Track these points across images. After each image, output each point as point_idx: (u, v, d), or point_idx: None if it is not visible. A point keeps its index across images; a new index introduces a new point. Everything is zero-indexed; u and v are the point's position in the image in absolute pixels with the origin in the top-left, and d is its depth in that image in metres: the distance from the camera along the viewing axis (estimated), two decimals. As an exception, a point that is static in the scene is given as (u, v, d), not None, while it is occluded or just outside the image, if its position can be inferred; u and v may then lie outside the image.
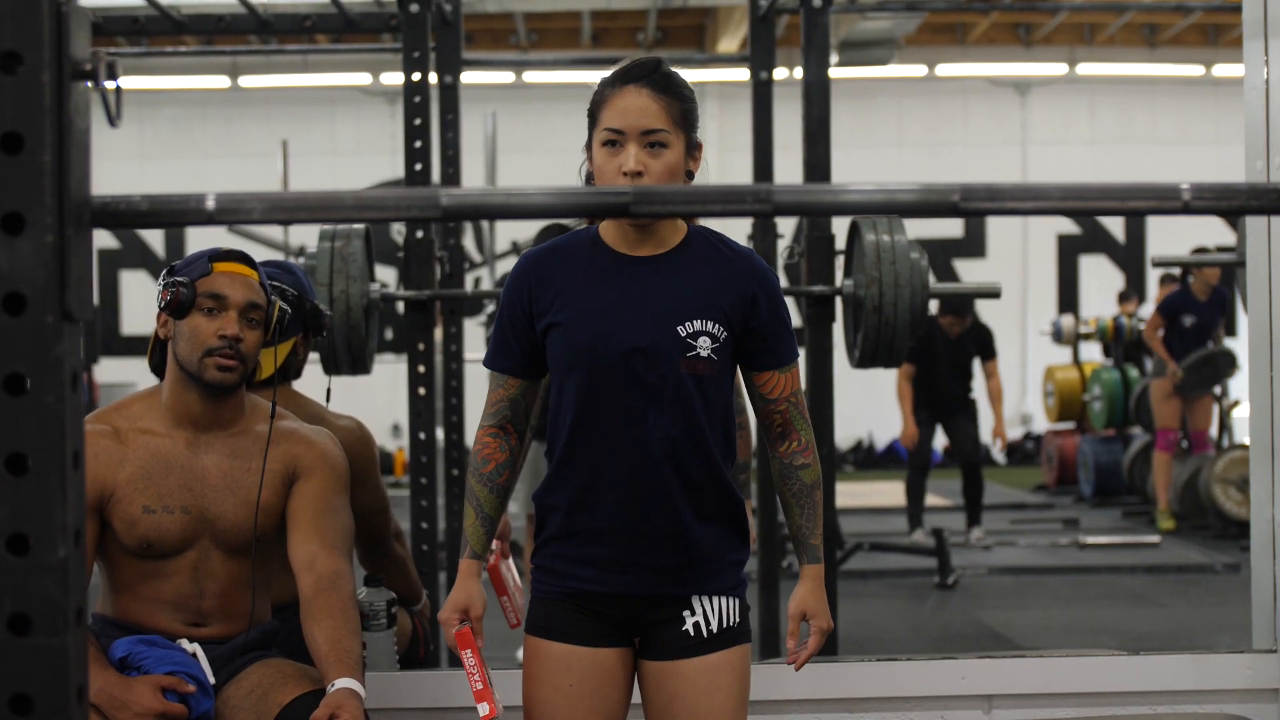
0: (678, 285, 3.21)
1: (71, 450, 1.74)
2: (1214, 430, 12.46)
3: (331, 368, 5.43)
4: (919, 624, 8.94)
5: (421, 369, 6.03)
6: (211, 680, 3.52)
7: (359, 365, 5.65)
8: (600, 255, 3.26)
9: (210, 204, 1.85)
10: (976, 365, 11.40)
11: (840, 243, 5.83)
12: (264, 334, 3.68)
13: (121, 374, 15.22)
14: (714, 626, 3.25)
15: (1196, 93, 19.20)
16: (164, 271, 3.67)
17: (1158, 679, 4.21)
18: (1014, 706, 4.18)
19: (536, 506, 3.36)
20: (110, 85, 1.81)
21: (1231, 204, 1.92)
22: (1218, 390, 12.26)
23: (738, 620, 3.28)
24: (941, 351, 11.11)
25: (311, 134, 17.74)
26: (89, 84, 1.78)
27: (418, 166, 6.00)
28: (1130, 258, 18.99)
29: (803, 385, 3.34)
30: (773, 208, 1.85)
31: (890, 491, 13.82)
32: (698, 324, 3.19)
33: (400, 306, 5.95)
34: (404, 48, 6.02)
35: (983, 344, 11.25)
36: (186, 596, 3.60)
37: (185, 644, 3.57)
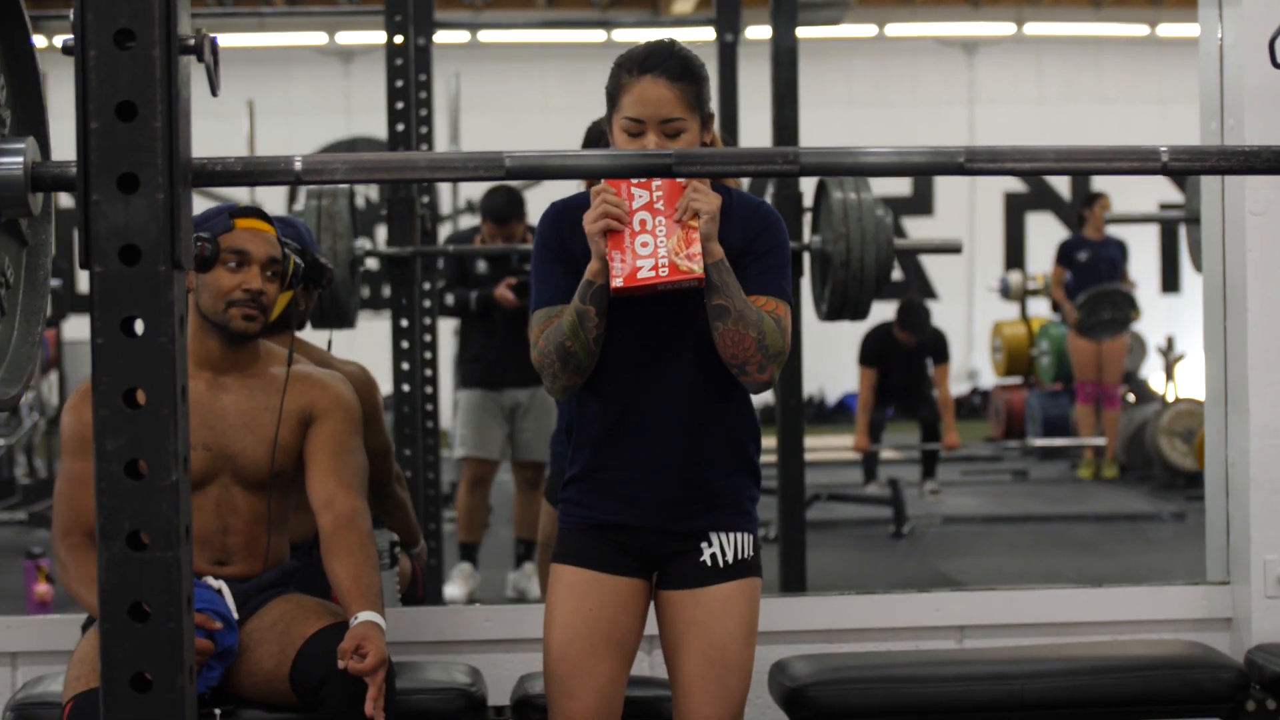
0: None
1: (181, 384, 1.96)
2: (1161, 384, 12.80)
3: (319, 322, 5.58)
4: (878, 572, 9.20)
5: (404, 323, 6.23)
6: (235, 616, 3.73)
7: (345, 320, 5.85)
8: None
9: (298, 165, 2.07)
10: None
11: (807, 200, 6.04)
12: (280, 285, 3.90)
13: (84, 332, 15.17)
14: (729, 558, 3.45)
15: (1141, 52, 19.42)
16: None
17: (1119, 609, 4.48)
18: (984, 636, 4.44)
19: (562, 450, 3.61)
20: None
21: (1204, 164, 2.17)
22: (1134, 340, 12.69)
23: (751, 554, 3.49)
24: (898, 360, 11.37)
25: (268, 94, 17.79)
26: (194, 58, 1.98)
27: (400, 127, 6.19)
28: (1076, 215, 19.25)
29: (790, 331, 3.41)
30: (799, 168, 2.08)
31: (843, 445, 14.04)
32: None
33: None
34: (386, 10, 6.19)
35: (938, 350, 11.41)
36: (211, 533, 3.79)
37: (211, 581, 3.77)
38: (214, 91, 2.02)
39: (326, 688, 3.56)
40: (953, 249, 6.30)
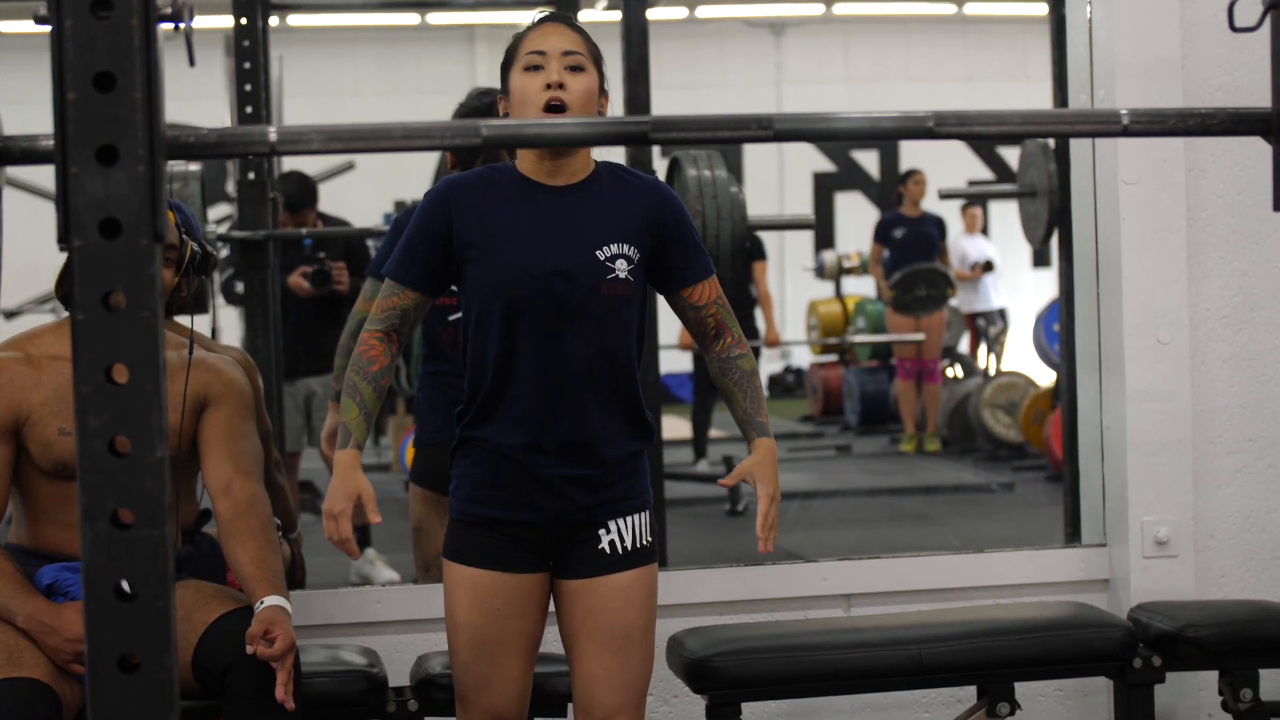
0: (594, 212, 3.41)
1: (162, 359, 1.92)
2: (981, 357, 13.05)
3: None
4: (721, 548, 9.26)
5: (257, 307, 6.16)
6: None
7: (200, 305, 5.76)
8: (519, 185, 3.43)
9: (272, 136, 2.04)
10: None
11: (660, 178, 6.06)
12: (175, 271, 3.83)
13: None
14: (628, 544, 3.43)
15: (947, 31, 19.74)
16: None
17: (1001, 574, 4.59)
18: (871, 604, 4.51)
19: (431, 434, 3.53)
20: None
21: (1163, 126, 2.21)
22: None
23: (649, 539, 3.48)
24: None
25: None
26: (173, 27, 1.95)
27: (248, 109, 6.11)
28: (885, 194, 19.49)
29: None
30: (774, 133, 2.09)
31: (671, 424, 14.12)
32: (614, 248, 3.38)
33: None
34: (234, -8, 6.13)
35: (754, 248, 11.38)
36: (106, 522, 3.72)
37: (105, 568, 3.69)
38: (191, 62, 1.99)
39: (232, 673, 3.52)
40: (804, 225, 6.37)
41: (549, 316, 3.36)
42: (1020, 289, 17.42)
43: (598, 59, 3.45)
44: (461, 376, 3.50)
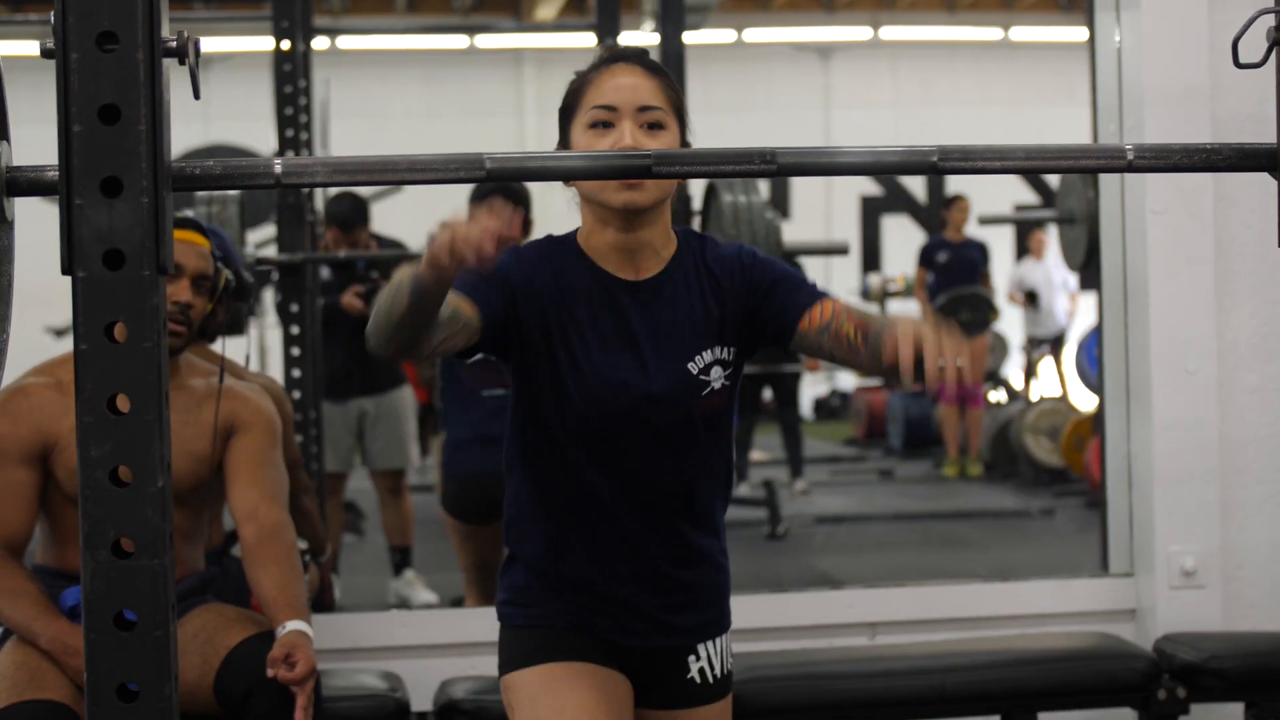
0: (681, 313, 2.90)
1: (165, 389, 1.94)
2: (1022, 382, 13.03)
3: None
4: (759, 572, 9.24)
5: (295, 331, 6.18)
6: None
7: (236, 327, 5.78)
8: (594, 282, 2.89)
9: (278, 169, 2.06)
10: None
11: (696, 204, 6.08)
12: (209, 299, 3.87)
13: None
14: (716, 672, 3.07)
15: (994, 55, 19.74)
16: None
17: (1027, 603, 4.57)
18: (896, 632, 4.50)
19: (507, 542, 3.05)
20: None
21: (1168, 161, 2.21)
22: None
23: (731, 663, 3.14)
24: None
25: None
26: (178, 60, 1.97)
27: (289, 133, 6.15)
28: (932, 218, 19.45)
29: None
30: (777, 168, 2.10)
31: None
32: (708, 354, 2.90)
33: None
34: (273, 16, 6.15)
35: None
36: (131, 546, 3.75)
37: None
38: (196, 95, 2.00)
39: (254, 697, 3.54)
40: (840, 250, 6.39)
41: (634, 444, 2.89)
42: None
43: (679, 107, 2.88)
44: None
